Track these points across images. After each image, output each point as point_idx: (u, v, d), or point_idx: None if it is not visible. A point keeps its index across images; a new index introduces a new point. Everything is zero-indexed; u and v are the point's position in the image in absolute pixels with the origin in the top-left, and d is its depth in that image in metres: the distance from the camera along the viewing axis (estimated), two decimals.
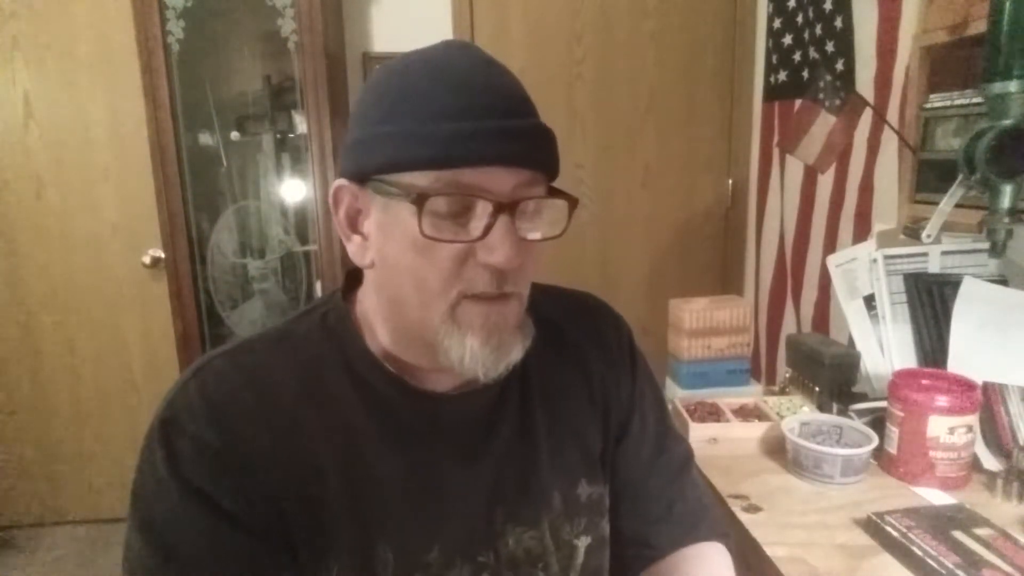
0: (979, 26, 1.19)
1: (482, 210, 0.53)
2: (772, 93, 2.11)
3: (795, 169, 1.99)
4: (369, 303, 0.63)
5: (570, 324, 0.73)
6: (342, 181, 0.58)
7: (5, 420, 2.41)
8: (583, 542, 0.68)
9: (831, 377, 1.13)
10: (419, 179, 0.52)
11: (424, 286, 0.55)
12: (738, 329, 1.38)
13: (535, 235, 0.56)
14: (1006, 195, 1.01)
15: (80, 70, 2.19)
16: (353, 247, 0.59)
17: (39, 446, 2.44)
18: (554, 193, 0.58)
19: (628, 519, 0.73)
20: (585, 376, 0.71)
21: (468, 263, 0.54)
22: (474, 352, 0.55)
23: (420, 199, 0.51)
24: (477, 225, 0.53)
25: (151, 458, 0.55)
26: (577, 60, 2.31)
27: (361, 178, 0.56)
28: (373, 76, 0.59)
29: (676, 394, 1.36)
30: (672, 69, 2.33)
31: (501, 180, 0.53)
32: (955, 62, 1.35)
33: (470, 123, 0.51)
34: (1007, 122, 0.98)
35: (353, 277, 0.66)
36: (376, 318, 0.62)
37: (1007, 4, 0.96)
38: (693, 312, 1.36)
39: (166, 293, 2.08)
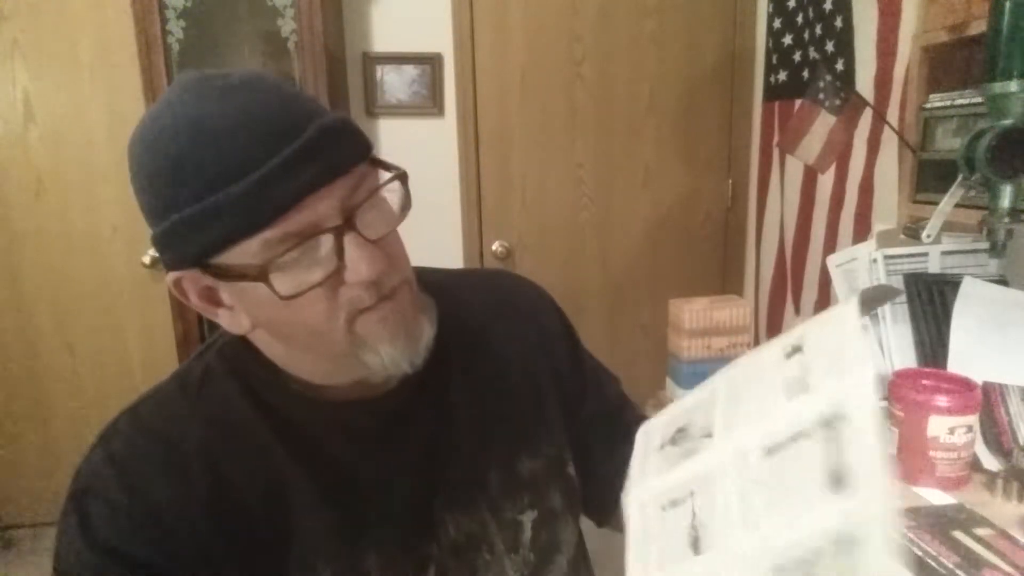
0: (979, 26, 1.19)
1: (325, 240, 0.51)
2: (772, 93, 2.11)
3: (795, 169, 1.99)
4: (265, 349, 0.61)
5: (495, 319, 0.73)
6: (175, 274, 0.54)
7: (5, 420, 2.41)
8: (528, 517, 0.68)
9: None
10: (248, 249, 0.49)
11: (312, 328, 0.54)
12: (738, 329, 1.38)
13: (386, 229, 0.54)
14: (1006, 195, 1.00)
15: (80, 70, 2.19)
16: (224, 320, 0.57)
17: (39, 446, 2.44)
18: (376, 165, 0.56)
19: (603, 465, 0.74)
20: (518, 363, 0.72)
21: (341, 289, 0.52)
22: (390, 355, 0.56)
23: (262, 274, 0.49)
24: (329, 254, 0.51)
25: (66, 533, 0.55)
26: (577, 60, 2.30)
27: (192, 265, 0.52)
28: (134, 160, 0.54)
29: (676, 394, 1.35)
30: (672, 69, 2.33)
31: (325, 203, 0.50)
32: (955, 62, 1.35)
33: (257, 173, 0.47)
34: (1007, 122, 0.98)
35: None
36: (279, 357, 0.60)
37: (1007, 4, 0.96)
38: (693, 312, 1.36)
39: (166, 293, 2.07)
